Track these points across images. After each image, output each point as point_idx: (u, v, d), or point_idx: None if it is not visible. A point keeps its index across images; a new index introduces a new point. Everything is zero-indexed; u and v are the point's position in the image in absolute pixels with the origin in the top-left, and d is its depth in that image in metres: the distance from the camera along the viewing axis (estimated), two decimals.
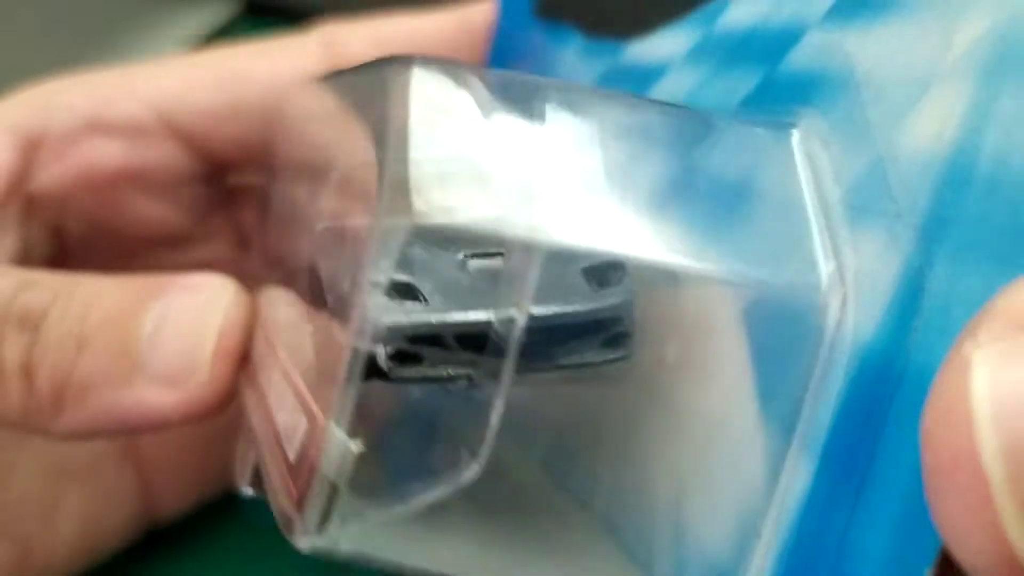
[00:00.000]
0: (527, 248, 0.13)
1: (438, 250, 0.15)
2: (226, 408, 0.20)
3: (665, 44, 0.20)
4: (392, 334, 0.14)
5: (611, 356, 0.15)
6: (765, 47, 0.17)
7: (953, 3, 0.13)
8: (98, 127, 0.24)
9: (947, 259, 0.12)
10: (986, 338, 0.10)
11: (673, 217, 0.14)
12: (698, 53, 0.19)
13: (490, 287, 0.14)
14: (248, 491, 0.19)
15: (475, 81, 0.14)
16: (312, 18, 0.26)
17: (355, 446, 0.12)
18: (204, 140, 0.25)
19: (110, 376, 0.20)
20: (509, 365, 0.13)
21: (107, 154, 0.25)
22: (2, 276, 0.21)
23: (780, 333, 0.14)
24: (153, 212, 0.26)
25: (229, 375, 0.20)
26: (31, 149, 0.24)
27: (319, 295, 0.15)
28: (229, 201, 0.27)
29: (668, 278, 0.15)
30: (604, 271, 0.15)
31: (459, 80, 0.14)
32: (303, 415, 0.14)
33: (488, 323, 0.14)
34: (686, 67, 0.19)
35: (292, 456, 0.14)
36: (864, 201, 0.14)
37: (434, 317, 0.14)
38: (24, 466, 0.24)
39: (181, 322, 0.20)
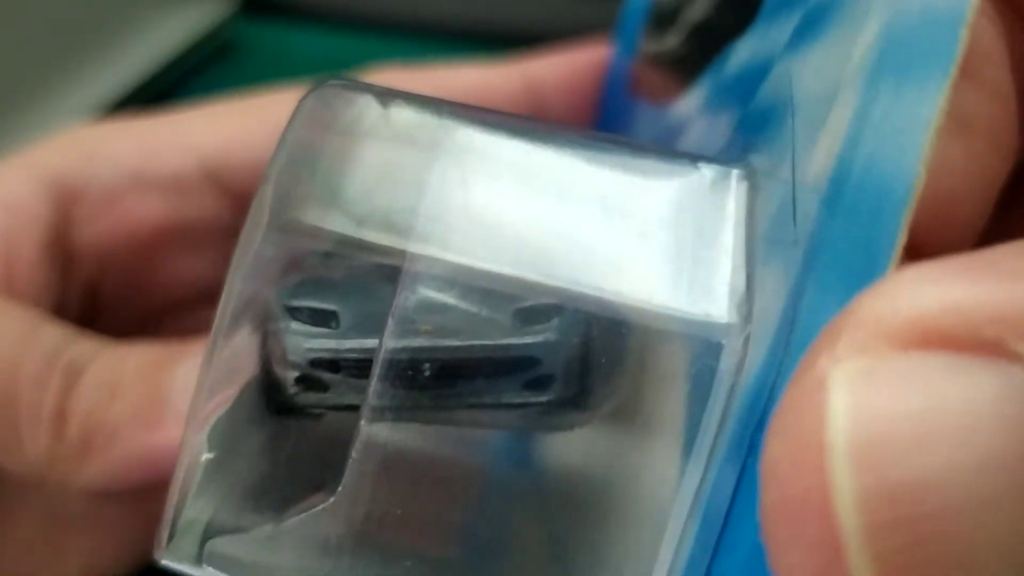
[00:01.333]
0: (397, 261, 0.12)
1: (374, 284, 0.15)
2: None
3: (691, 99, 0.19)
4: (294, 358, 0.14)
5: (533, 399, 0.14)
6: (746, 85, 0.16)
7: (858, 12, 0.12)
8: (142, 181, 0.24)
9: (813, 288, 0.11)
10: (846, 351, 0.08)
11: (575, 250, 0.13)
12: (706, 105, 0.18)
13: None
14: None
15: (394, 108, 0.14)
16: (310, 17, 0.25)
17: (206, 454, 0.12)
18: (249, 194, 0.24)
19: (139, 420, 0.20)
20: (369, 388, 0.13)
21: (150, 210, 0.24)
22: (53, 325, 0.21)
23: (694, 380, 0.13)
24: (191, 268, 0.25)
25: None
26: (71, 201, 0.24)
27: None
28: None
29: (605, 322, 0.14)
30: (537, 313, 0.15)
31: (374, 104, 0.14)
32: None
33: (372, 350, 0.13)
34: (701, 118, 0.18)
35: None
36: (775, 233, 0.12)
37: (331, 343, 0.14)
38: (29, 508, 0.24)
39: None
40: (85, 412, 0.20)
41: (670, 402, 0.14)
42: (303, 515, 0.12)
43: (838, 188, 0.11)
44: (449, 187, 0.13)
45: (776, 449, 0.09)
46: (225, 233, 0.25)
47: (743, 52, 0.16)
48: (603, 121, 0.27)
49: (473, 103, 0.25)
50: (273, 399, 0.14)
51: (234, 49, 0.40)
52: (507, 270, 0.13)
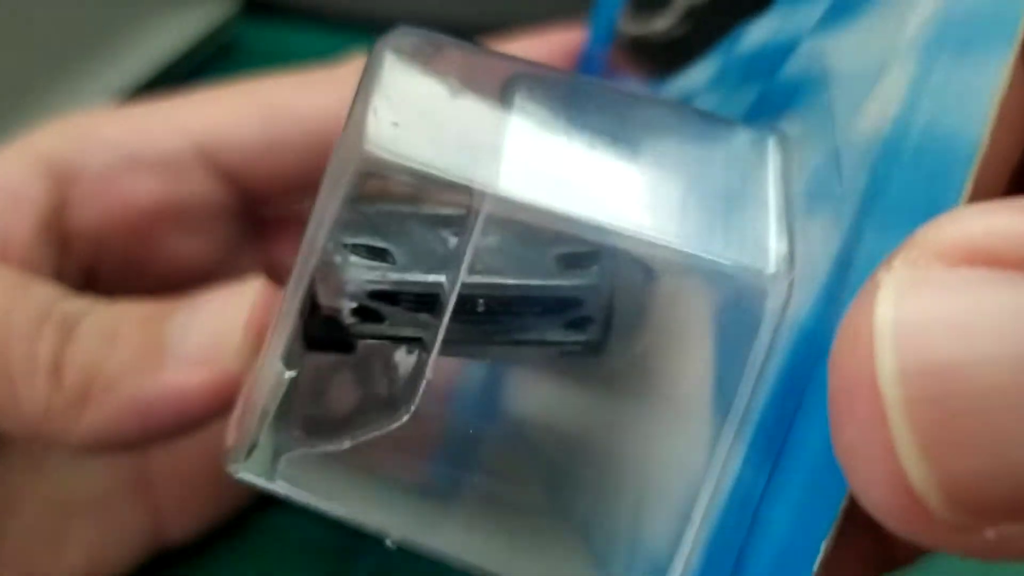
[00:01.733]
0: (474, 200, 0.13)
1: (419, 223, 0.16)
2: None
3: (696, 75, 0.20)
4: (353, 289, 0.15)
5: (573, 338, 0.15)
6: (769, 62, 0.17)
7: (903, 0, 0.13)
8: (137, 163, 0.24)
9: (873, 232, 0.12)
10: (900, 264, 0.10)
11: (634, 198, 0.14)
12: (718, 80, 0.19)
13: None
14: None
15: (454, 55, 0.15)
16: (309, 17, 0.26)
17: (287, 374, 0.13)
18: (243, 175, 0.25)
19: (138, 367, 0.20)
20: (444, 322, 0.13)
21: (145, 190, 0.24)
22: (44, 283, 0.21)
23: (734, 322, 0.14)
24: (186, 248, 0.25)
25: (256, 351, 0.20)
26: (66, 183, 0.24)
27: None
28: (259, 234, 0.27)
29: (638, 268, 0.15)
30: (578, 259, 0.16)
31: (437, 55, 0.15)
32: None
33: (439, 284, 0.14)
34: (708, 94, 0.19)
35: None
36: (818, 188, 0.14)
37: (393, 276, 0.15)
38: (32, 498, 0.24)
39: (211, 311, 0.20)
40: (83, 362, 0.20)
41: (696, 352, 0.15)
42: (379, 432, 0.13)
43: (897, 146, 0.12)
44: (519, 135, 0.14)
45: (837, 343, 0.10)
46: (220, 214, 0.25)
47: (761, 32, 0.18)
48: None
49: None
50: (322, 331, 0.15)
51: (235, 50, 0.40)
52: (567, 209, 0.14)
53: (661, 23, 0.24)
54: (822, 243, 0.13)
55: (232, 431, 0.14)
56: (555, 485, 0.16)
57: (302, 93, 0.25)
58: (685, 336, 0.15)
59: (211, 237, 0.25)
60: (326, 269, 0.15)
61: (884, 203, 0.12)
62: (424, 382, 0.13)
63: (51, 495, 0.24)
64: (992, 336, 0.09)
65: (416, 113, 0.14)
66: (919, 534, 0.10)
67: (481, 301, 0.15)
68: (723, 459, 0.13)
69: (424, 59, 0.14)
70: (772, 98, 0.16)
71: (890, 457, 0.09)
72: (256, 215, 0.27)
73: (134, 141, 0.24)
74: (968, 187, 0.11)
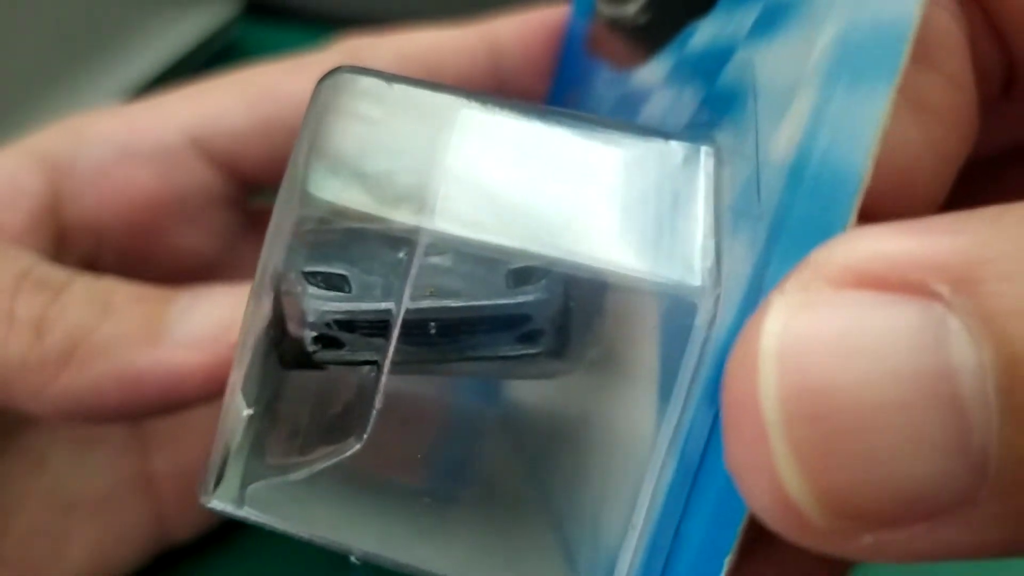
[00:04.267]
0: (410, 235, 0.14)
1: (375, 242, 0.16)
2: None
3: (655, 69, 0.21)
4: (312, 319, 0.15)
5: (525, 351, 0.16)
6: (711, 66, 0.17)
7: (818, 11, 0.13)
8: (131, 155, 0.24)
9: (778, 257, 0.12)
10: (791, 287, 0.11)
11: (568, 220, 0.15)
12: (673, 76, 0.20)
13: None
14: None
15: (400, 91, 0.15)
16: (310, 19, 0.26)
17: (247, 411, 0.14)
18: (236, 161, 0.25)
19: (132, 339, 0.20)
20: (389, 348, 0.14)
21: (141, 181, 0.24)
22: (22, 249, 0.22)
23: (669, 333, 0.15)
24: (185, 240, 0.25)
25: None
26: (61, 177, 0.24)
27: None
28: (260, 225, 0.27)
29: (587, 284, 0.16)
30: (529, 272, 0.16)
31: (384, 89, 0.15)
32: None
33: (388, 311, 0.15)
34: (664, 90, 0.20)
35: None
36: (743, 206, 0.14)
37: (347, 306, 0.15)
38: (34, 496, 0.24)
39: (216, 301, 0.21)
40: (70, 324, 0.20)
41: (646, 356, 0.16)
42: (334, 461, 0.14)
43: (799, 174, 0.12)
44: (450, 163, 0.15)
45: (728, 363, 0.11)
46: (218, 203, 0.26)
47: (706, 32, 0.18)
48: (561, 81, 0.28)
49: (434, 63, 0.26)
50: (292, 356, 0.16)
51: (237, 51, 0.41)
52: (502, 240, 0.14)
53: (631, 7, 0.24)
54: (741, 263, 0.14)
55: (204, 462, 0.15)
56: (521, 485, 0.17)
57: (289, 77, 0.25)
58: (634, 343, 0.16)
59: (210, 228, 0.26)
60: (288, 299, 0.16)
61: (787, 229, 0.12)
62: (375, 408, 0.14)
63: (53, 493, 0.24)
64: (868, 356, 0.10)
65: (356, 152, 0.15)
66: (804, 541, 0.10)
67: (432, 324, 0.15)
68: (659, 467, 0.14)
69: (367, 97, 0.15)
70: (711, 105, 0.17)
71: (771, 472, 0.10)
72: (252, 205, 0.27)
73: (127, 134, 0.24)
74: (854, 213, 0.11)
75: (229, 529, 0.27)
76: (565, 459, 0.17)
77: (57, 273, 0.21)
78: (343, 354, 0.16)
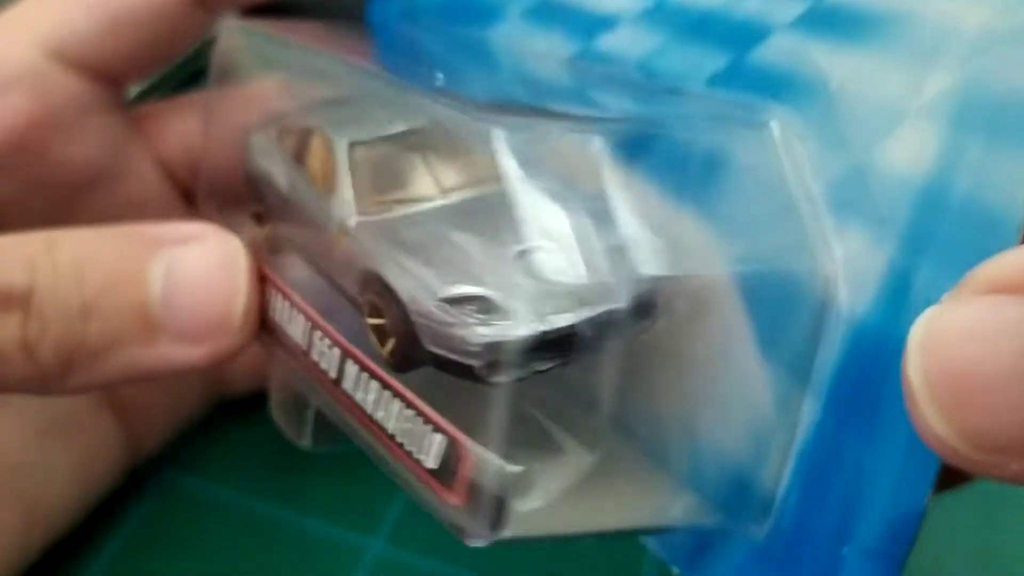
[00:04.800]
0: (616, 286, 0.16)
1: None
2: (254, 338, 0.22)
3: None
4: (522, 357, 0.17)
5: (645, 325, 0.19)
6: (729, 34, 0.20)
7: (920, 52, 0.16)
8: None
9: (932, 266, 0.16)
10: (943, 299, 0.14)
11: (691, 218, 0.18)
12: (652, 17, 0.21)
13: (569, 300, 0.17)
14: (308, 445, 0.22)
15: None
16: (305, 16, 0.26)
17: (512, 468, 0.16)
18: (94, 64, 0.26)
19: (126, 337, 0.20)
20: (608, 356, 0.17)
21: (17, 107, 0.25)
22: None
23: (780, 300, 0.18)
24: (72, 153, 0.26)
25: (255, 328, 0.22)
26: None
27: (387, 299, 0.18)
28: (143, 127, 0.28)
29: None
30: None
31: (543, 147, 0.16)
32: (430, 428, 0.17)
33: (572, 327, 0.17)
34: (639, 28, 0.21)
35: (431, 463, 0.17)
36: (847, 199, 0.17)
37: (523, 332, 0.17)
38: (10, 427, 0.25)
39: (192, 277, 0.21)
40: (57, 338, 0.20)
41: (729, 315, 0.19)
42: (581, 472, 0.17)
43: (939, 202, 0.16)
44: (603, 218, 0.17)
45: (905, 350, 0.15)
46: (93, 111, 0.26)
47: None
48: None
49: None
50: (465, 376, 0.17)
51: None
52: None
53: None
54: (864, 253, 0.17)
55: (433, 499, 0.17)
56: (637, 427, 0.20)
57: None
58: (715, 304, 0.19)
59: (92, 137, 0.26)
60: (436, 328, 0.17)
61: (938, 246, 0.16)
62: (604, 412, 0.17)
63: (27, 423, 0.25)
64: (988, 337, 0.14)
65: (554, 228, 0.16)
66: (971, 471, 0.15)
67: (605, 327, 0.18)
68: (796, 405, 0.18)
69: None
70: (744, 76, 0.19)
71: (923, 423, 0.14)
72: (137, 110, 0.27)
73: None
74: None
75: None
76: (658, 397, 0.20)
77: (11, 275, 0.20)
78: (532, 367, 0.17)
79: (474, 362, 0.17)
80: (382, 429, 0.18)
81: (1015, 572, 0.27)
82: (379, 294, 0.19)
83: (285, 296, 0.21)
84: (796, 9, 0.18)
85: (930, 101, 0.16)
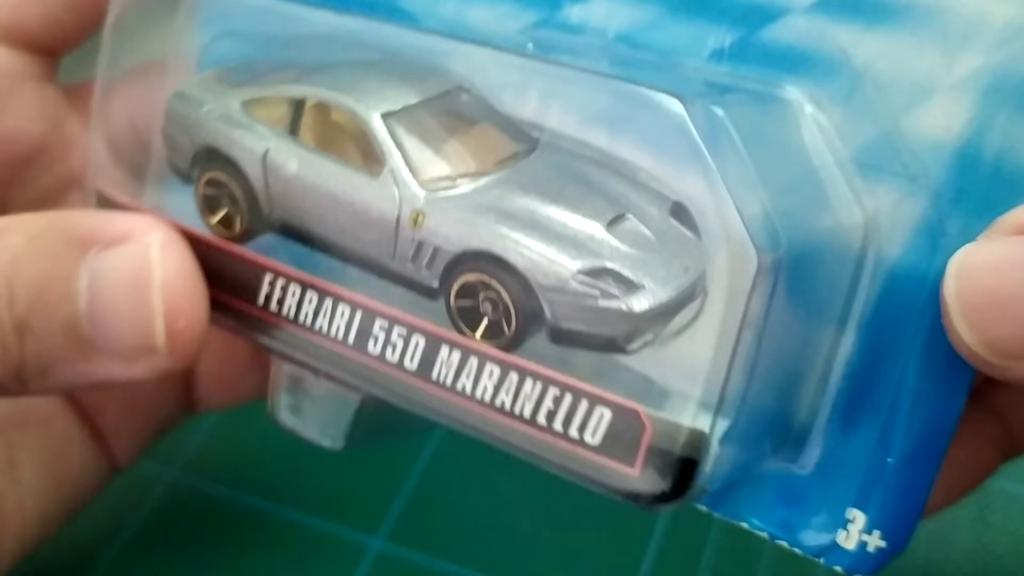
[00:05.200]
0: None
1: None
2: (197, 354, 0.21)
3: None
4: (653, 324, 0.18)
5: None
6: (734, 11, 0.21)
7: (952, 38, 0.20)
8: None
9: (963, 216, 0.20)
10: (979, 238, 0.18)
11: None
12: None
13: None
14: (338, 447, 0.21)
15: None
16: None
17: (700, 427, 0.17)
18: (22, 34, 0.24)
19: (64, 355, 0.20)
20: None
21: None
22: None
23: (817, 251, 0.21)
24: (5, 126, 0.24)
25: (191, 346, 0.20)
26: None
27: (502, 278, 0.18)
28: (77, 102, 0.26)
29: None
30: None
31: None
32: (587, 404, 0.18)
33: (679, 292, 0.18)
34: (619, 1, 0.23)
35: (594, 439, 0.18)
36: (875, 161, 0.20)
37: (662, 297, 0.18)
38: None
39: (110, 293, 0.20)
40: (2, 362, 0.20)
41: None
42: None
43: (971, 161, 0.20)
44: None
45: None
46: (25, 82, 0.25)
47: None
48: None
49: None
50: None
51: None
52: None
53: None
54: (897, 206, 0.20)
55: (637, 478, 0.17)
56: None
57: None
58: None
59: (26, 109, 0.25)
60: (573, 302, 0.18)
61: (970, 200, 0.20)
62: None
63: None
64: (1010, 266, 0.18)
65: None
66: (991, 372, 0.19)
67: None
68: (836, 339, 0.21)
69: None
70: (757, 52, 0.21)
71: (956, 335, 0.18)
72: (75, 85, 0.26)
73: None
74: None
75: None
76: None
77: None
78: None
79: (617, 332, 0.18)
80: (507, 413, 0.18)
81: (1014, 572, 0.28)
82: (490, 274, 0.18)
83: (309, 287, 0.20)
84: None
85: (962, 78, 0.20)
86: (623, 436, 0.17)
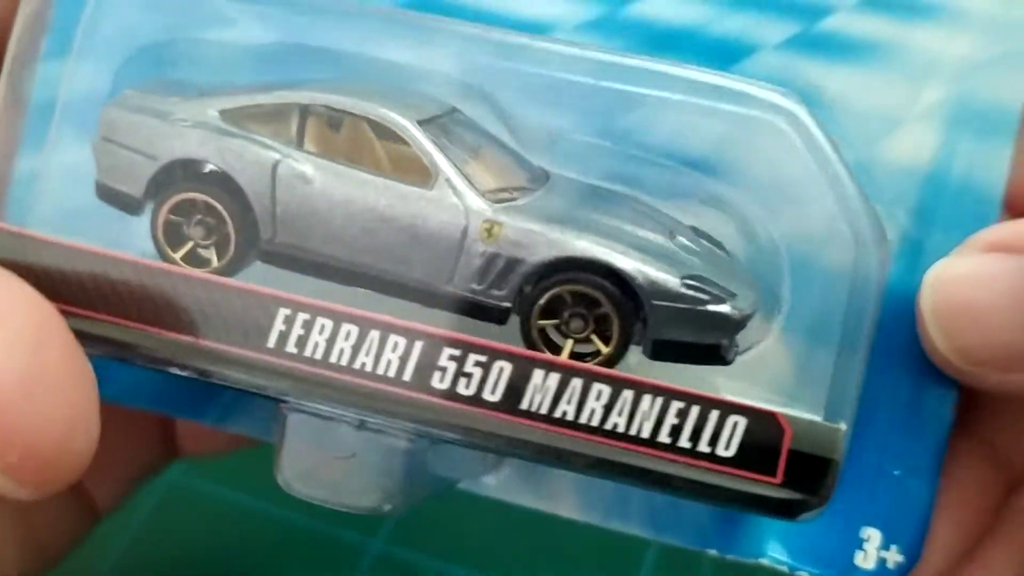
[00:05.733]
0: None
1: None
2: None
3: (542, 5, 0.22)
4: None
5: None
6: (708, 47, 0.22)
7: (916, 70, 0.21)
8: None
9: (939, 233, 0.21)
10: (952, 254, 0.20)
11: None
12: (599, 27, 0.22)
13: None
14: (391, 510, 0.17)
15: None
16: None
17: (841, 426, 0.16)
18: None
19: None
20: None
21: None
22: None
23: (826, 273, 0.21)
24: None
25: (40, 465, 0.17)
26: None
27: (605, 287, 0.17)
28: None
29: None
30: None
31: None
32: (718, 414, 0.16)
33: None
34: (579, 34, 0.22)
35: (728, 451, 0.16)
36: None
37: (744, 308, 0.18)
38: None
39: None
40: None
41: None
42: None
43: (940, 184, 0.21)
44: None
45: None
46: None
47: (658, 7, 0.22)
48: None
49: None
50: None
51: None
52: None
53: None
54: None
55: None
56: None
57: None
58: None
59: None
60: (682, 310, 0.17)
61: (941, 218, 0.21)
62: None
63: None
64: (980, 279, 0.20)
65: None
66: (962, 380, 0.21)
67: None
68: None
69: None
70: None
71: (930, 344, 0.20)
72: None
73: None
74: (1000, 216, 0.21)
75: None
76: None
77: None
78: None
79: (720, 340, 0.17)
80: (622, 436, 0.16)
81: None
82: (590, 283, 0.16)
83: (345, 319, 0.17)
84: (783, 34, 0.22)
85: (926, 109, 0.21)
86: (760, 444, 0.16)
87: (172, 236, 0.18)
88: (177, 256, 0.18)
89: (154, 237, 0.18)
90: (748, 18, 0.22)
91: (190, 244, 0.18)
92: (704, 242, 0.19)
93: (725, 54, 0.22)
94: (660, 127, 0.20)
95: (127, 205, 0.18)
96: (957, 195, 0.21)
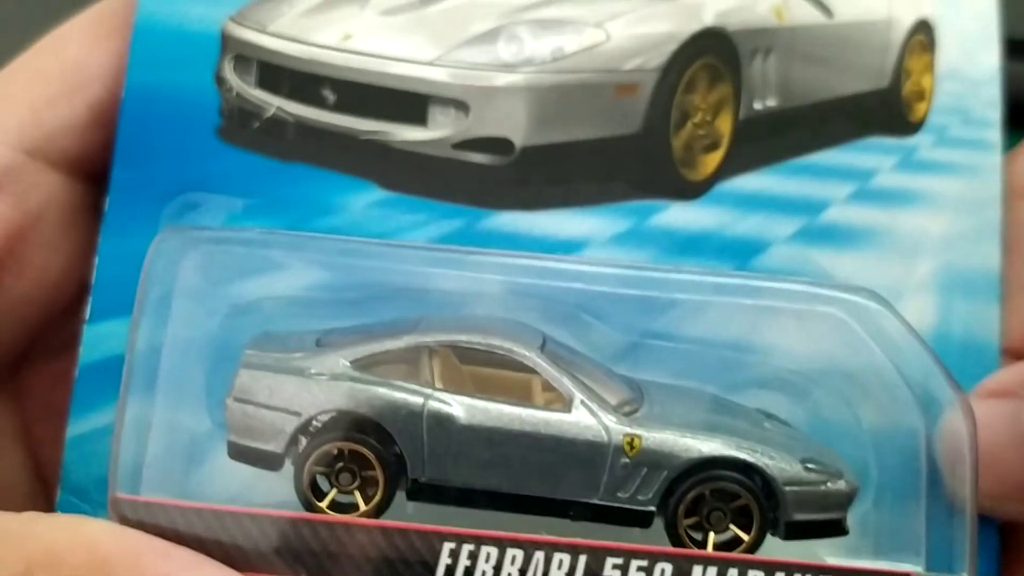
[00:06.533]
0: None
1: None
2: None
3: (574, 224, 0.24)
4: None
5: None
6: (727, 247, 0.25)
7: (904, 250, 0.25)
8: None
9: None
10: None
11: None
12: (628, 239, 0.25)
13: None
14: None
15: None
16: None
17: None
18: (76, 159, 0.23)
19: None
20: None
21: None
22: None
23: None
24: (51, 264, 0.22)
25: None
26: None
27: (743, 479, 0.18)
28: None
29: None
30: None
31: None
32: None
33: None
34: (611, 247, 0.24)
35: None
36: None
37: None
38: None
39: None
40: None
41: None
42: None
43: (944, 344, 0.24)
44: None
45: None
46: (73, 213, 0.23)
47: (681, 216, 0.25)
48: None
49: None
50: None
51: None
52: None
53: None
54: None
55: None
56: None
57: (97, 43, 0.23)
58: None
59: (73, 243, 0.23)
60: (807, 492, 0.19)
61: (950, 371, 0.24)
62: None
63: None
64: (988, 425, 0.24)
65: None
66: (991, 515, 0.24)
67: None
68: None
69: None
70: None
71: (949, 488, 0.23)
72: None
73: None
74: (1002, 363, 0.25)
75: None
76: None
77: None
78: None
79: (841, 514, 0.19)
80: None
81: None
82: (728, 479, 0.18)
83: (509, 544, 0.17)
84: (791, 228, 0.25)
85: (921, 280, 0.25)
86: None
87: (317, 486, 0.18)
88: (323, 504, 0.18)
89: (299, 489, 0.18)
90: (759, 217, 0.25)
91: (334, 492, 0.18)
92: (778, 423, 0.21)
93: (744, 251, 0.24)
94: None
95: (266, 462, 0.18)
96: (961, 350, 0.24)
